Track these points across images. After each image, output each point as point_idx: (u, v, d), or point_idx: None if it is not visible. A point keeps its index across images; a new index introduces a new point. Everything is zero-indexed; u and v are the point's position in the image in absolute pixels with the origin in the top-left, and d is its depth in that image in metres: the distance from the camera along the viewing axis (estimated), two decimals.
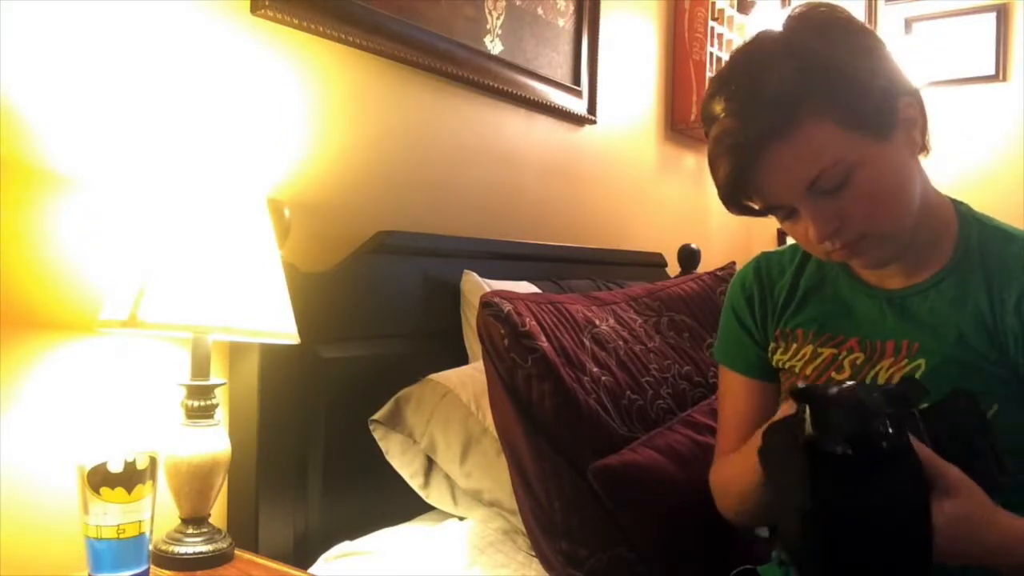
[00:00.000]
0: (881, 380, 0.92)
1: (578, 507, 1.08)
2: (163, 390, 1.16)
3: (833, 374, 0.96)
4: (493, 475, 1.23)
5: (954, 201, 0.97)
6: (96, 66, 1.12)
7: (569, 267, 1.89)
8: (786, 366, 1.02)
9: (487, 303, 1.17)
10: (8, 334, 1.04)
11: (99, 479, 0.98)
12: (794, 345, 1.02)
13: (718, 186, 0.90)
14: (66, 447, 1.07)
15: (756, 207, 0.91)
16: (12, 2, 1.03)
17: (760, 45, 0.88)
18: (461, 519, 1.31)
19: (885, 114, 0.85)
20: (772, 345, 1.05)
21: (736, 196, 0.90)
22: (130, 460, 1.01)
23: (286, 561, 1.14)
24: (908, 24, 3.30)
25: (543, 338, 1.18)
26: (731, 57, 0.92)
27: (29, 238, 1.06)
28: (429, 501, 1.33)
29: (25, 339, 1.06)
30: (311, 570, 1.19)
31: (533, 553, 1.15)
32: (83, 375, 1.11)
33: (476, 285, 1.53)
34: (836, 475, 0.67)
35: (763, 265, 1.09)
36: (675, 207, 2.66)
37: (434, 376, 1.34)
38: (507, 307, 1.17)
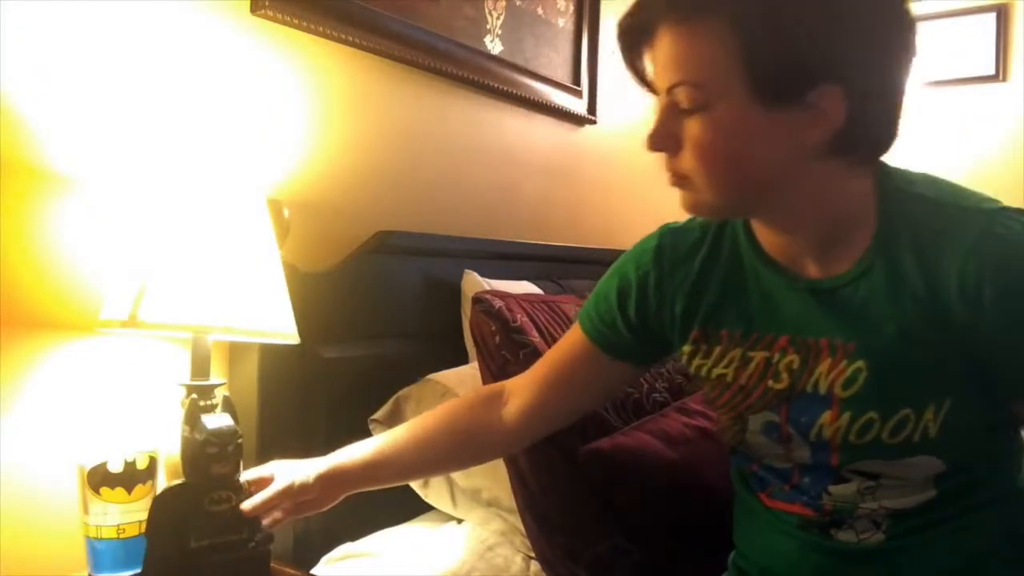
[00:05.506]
0: (822, 388, 0.81)
1: (574, 500, 1.08)
2: (163, 390, 1.16)
3: (770, 383, 0.85)
4: (491, 473, 1.23)
5: (878, 172, 0.81)
6: (96, 66, 1.12)
7: (569, 267, 1.89)
8: (713, 375, 0.90)
9: (478, 300, 1.17)
10: (8, 334, 1.04)
11: (99, 479, 0.98)
12: (717, 348, 0.89)
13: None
14: (66, 447, 1.07)
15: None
16: (12, 2, 1.03)
17: None
18: (459, 522, 1.31)
19: (786, 87, 0.72)
20: (689, 348, 0.92)
21: (625, 57, 0.84)
22: (130, 460, 1.01)
23: (286, 561, 1.14)
24: None
25: (535, 333, 1.18)
26: None
27: (29, 238, 1.06)
28: (428, 501, 1.33)
29: (25, 339, 1.06)
30: (313, 571, 1.18)
31: (532, 555, 1.15)
32: (83, 375, 1.11)
33: (476, 285, 1.53)
34: None
35: (666, 246, 0.98)
36: (675, 207, 2.64)
37: (434, 376, 1.34)
38: (498, 303, 1.17)
